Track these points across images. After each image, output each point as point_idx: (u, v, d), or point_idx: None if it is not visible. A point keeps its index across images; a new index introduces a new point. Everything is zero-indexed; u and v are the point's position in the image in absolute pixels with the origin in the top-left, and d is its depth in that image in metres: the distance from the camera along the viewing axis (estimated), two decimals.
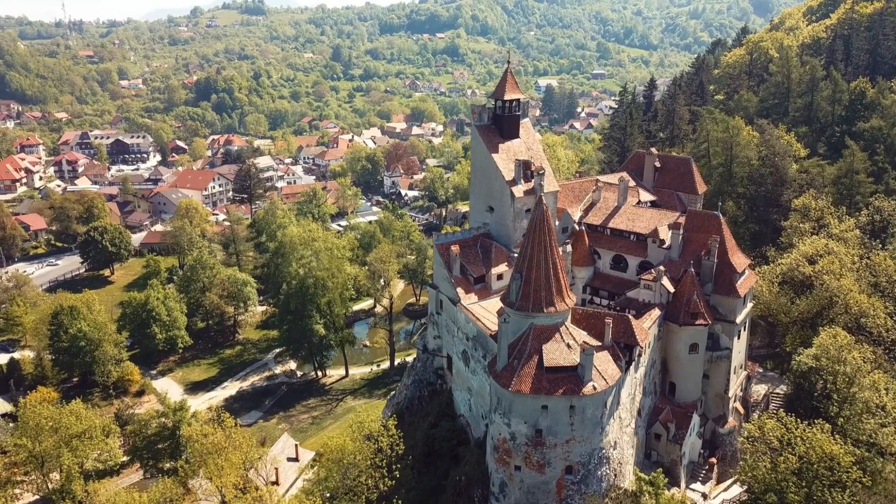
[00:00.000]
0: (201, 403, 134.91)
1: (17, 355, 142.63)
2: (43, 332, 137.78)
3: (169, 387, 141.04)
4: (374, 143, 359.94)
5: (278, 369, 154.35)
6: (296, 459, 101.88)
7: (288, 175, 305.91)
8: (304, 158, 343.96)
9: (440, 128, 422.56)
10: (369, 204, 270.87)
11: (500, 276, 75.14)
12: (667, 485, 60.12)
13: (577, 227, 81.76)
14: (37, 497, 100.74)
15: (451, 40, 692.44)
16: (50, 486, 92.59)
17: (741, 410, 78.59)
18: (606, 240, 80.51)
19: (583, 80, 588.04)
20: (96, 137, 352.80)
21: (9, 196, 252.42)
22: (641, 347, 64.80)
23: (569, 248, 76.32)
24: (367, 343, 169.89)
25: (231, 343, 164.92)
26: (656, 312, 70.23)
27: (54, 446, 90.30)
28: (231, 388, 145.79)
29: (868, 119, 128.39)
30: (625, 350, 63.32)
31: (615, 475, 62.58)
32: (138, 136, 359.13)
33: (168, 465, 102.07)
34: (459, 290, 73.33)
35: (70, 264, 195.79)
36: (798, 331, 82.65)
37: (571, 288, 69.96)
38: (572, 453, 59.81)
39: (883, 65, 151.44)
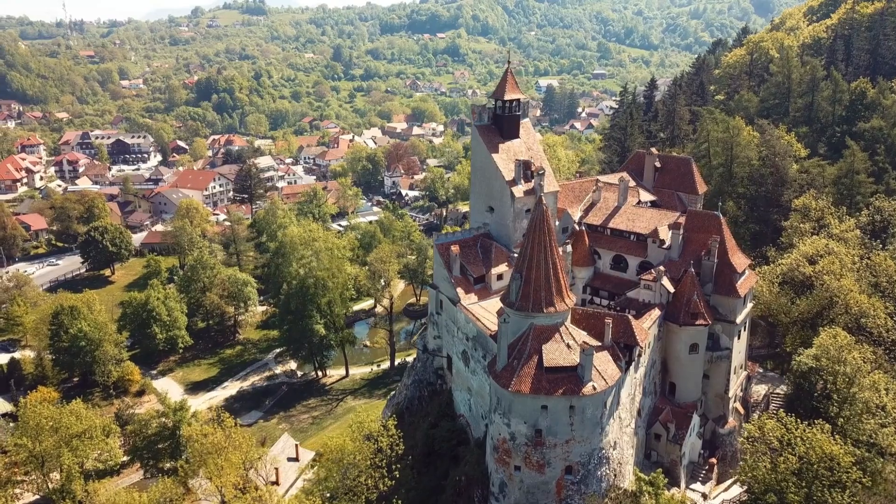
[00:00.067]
0: (202, 403, 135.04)
1: (17, 355, 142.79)
2: (43, 331, 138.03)
3: (169, 387, 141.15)
4: (375, 143, 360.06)
5: (279, 369, 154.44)
6: (296, 459, 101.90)
7: (288, 175, 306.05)
8: (305, 158, 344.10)
9: (441, 128, 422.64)
10: (370, 204, 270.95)
11: (500, 276, 75.13)
12: (667, 485, 60.08)
13: (577, 228, 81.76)
14: (37, 497, 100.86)
15: (452, 40, 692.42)
16: (50, 486, 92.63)
17: (741, 411, 78.56)
18: (606, 240, 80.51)
19: (583, 80, 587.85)
20: (97, 137, 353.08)
21: (9, 196, 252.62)
22: (641, 347, 64.79)
23: (569, 248, 76.35)
24: (368, 343, 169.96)
25: (231, 343, 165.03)
26: (656, 312, 70.22)
27: (54, 446, 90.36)
28: (231, 387, 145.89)
29: (868, 119, 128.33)
30: (625, 350, 63.31)
31: (615, 475, 62.57)
32: (139, 136, 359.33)
33: (168, 465, 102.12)
34: (459, 291, 73.33)
35: (71, 264, 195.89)
36: (798, 331, 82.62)
37: (571, 288, 69.98)
38: (572, 453, 59.80)
39: (883, 65, 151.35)
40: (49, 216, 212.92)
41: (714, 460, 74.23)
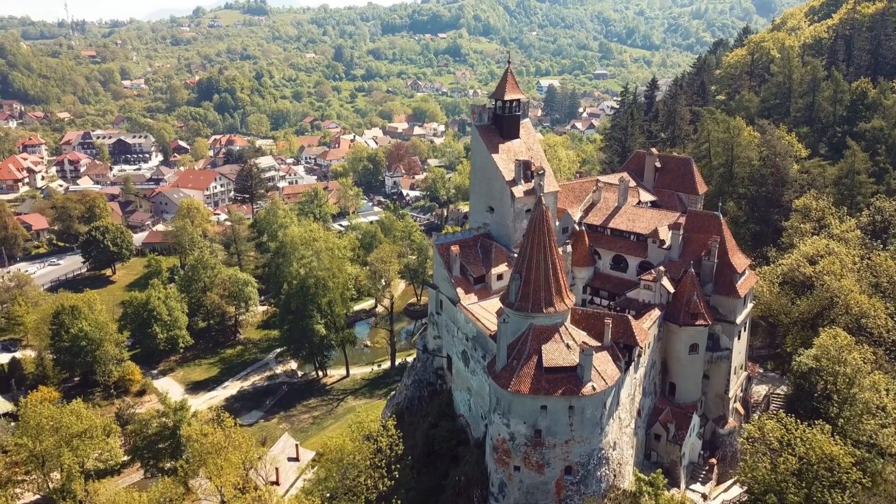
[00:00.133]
0: (202, 403, 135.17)
1: (18, 355, 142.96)
2: (44, 331, 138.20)
3: (170, 386, 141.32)
4: (376, 143, 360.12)
5: (279, 369, 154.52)
6: (296, 459, 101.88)
7: (289, 175, 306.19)
8: (306, 158, 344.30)
9: (442, 128, 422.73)
10: (371, 204, 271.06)
11: (499, 277, 75.12)
12: (666, 485, 59.93)
13: (577, 228, 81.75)
14: (37, 496, 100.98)
15: (453, 40, 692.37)
16: (50, 486, 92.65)
17: (741, 411, 78.50)
18: (606, 240, 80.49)
19: (585, 80, 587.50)
20: (98, 137, 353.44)
21: (11, 196, 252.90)
22: (641, 348, 64.76)
23: (569, 248, 76.36)
24: (368, 343, 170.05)
25: (232, 343, 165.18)
26: (656, 313, 70.19)
27: (55, 446, 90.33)
28: (232, 387, 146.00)
29: (869, 119, 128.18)
30: (624, 350, 63.29)
31: (614, 476, 62.54)
32: (140, 136, 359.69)
33: (168, 464, 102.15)
34: (459, 291, 73.32)
35: (72, 264, 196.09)
36: (799, 331, 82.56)
37: (571, 288, 69.96)
38: (571, 454, 59.77)
39: (884, 65, 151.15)
40: (50, 216, 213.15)
41: (714, 461, 74.18)
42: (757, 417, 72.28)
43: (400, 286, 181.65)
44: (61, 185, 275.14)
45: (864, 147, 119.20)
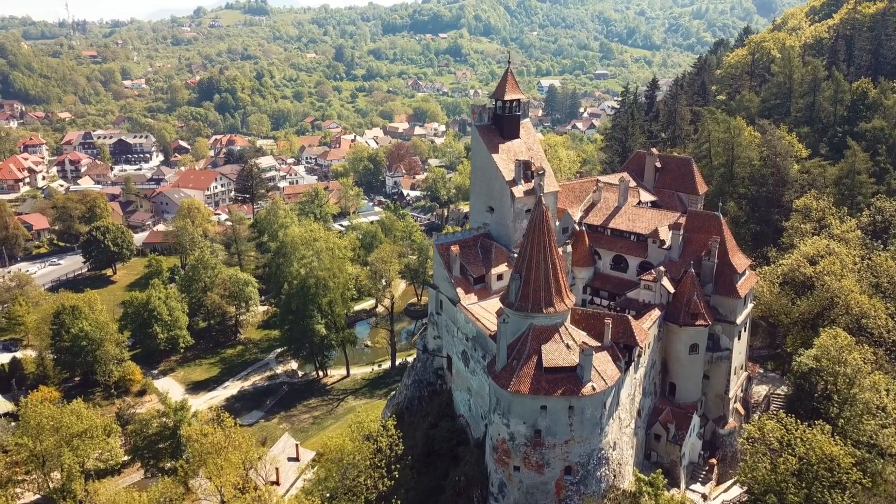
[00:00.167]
0: (203, 403, 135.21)
1: (19, 354, 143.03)
2: (45, 331, 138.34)
3: (170, 386, 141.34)
4: (377, 143, 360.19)
5: (279, 369, 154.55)
6: (296, 459, 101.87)
7: (290, 175, 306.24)
8: (307, 158, 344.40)
9: (442, 128, 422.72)
10: (371, 204, 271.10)
11: (499, 277, 75.11)
12: (666, 486, 59.88)
13: (577, 228, 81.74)
14: (38, 496, 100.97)
15: (454, 40, 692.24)
16: (51, 486, 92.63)
17: (742, 411, 78.48)
18: (607, 240, 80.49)
19: (585, 80, 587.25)
20: (99, 137, 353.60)
21: (12, 196, 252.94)
22: (641, 348, 64.75)
23: (569, 248, 76.36)
24: (369, 343, 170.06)
25: (232, 343, 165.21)
26: (656, 313, 70.18)
27: (55, 445, 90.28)
28: (232, 387, 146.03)
29: (870, 119, 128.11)
30: (624, 350, 63.28)
31: (614, 476, 62.52)
32: (141, 136, 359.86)
33: (169, 464, 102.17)
34: (459, 291, 73.32)
35: (72, 264, 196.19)
36: (799, 332, 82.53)
37: (572, 288, 69.96)
38: (571, 454, 59.76)
39: (885, 65, 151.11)
40: (51, 216, 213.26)
41: (714, 461, 74.17)
42: (757, 418, 72.28)
43: (400, 286, 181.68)
44: (62, 185, 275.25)
45: (864, 147, 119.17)
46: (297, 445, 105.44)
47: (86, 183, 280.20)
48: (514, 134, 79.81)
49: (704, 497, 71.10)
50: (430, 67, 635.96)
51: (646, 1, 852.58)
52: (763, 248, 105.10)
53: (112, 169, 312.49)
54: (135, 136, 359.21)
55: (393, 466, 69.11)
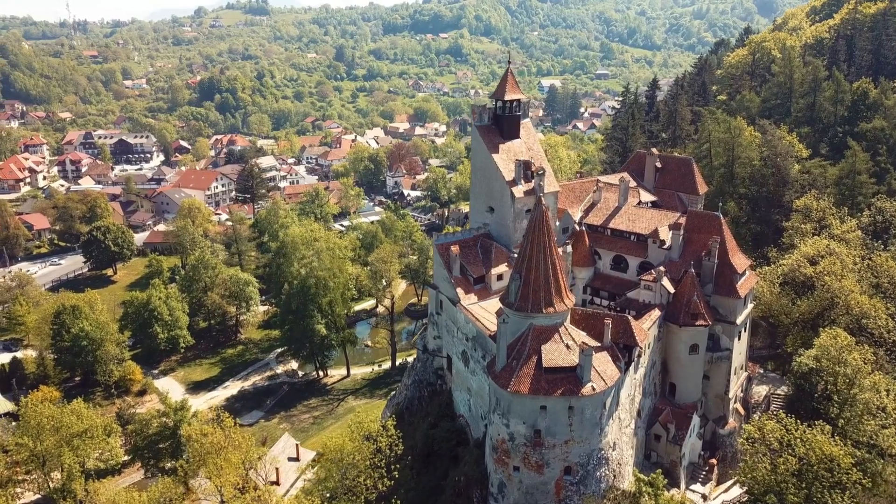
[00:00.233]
0: (203, 403, 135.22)
1: (19, 354, 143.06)
2: (45, 331, 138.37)
3: (171, 386, 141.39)
4: (377, 143, 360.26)
5: (280, 369, 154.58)
6: (296, 459, 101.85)
7: (291, 175, 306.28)
8: (307, 158, 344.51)
9: (443, 128, 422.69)
10: (372, 204, 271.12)
11: (499, 277, 75.10)
12: (666, 486, 59.87)
13: (577, 228, 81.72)
14: (38, 496, 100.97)
15: (455, 40, 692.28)
16: (51, 486, 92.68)
17: (742, 411, 78.45)
18: (607, 240, 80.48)
19: (586, 80, 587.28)
20: (100, 137, 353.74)
21: (12, 196, 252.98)
22: (641, 348, 64.74)
23: (569, 248, 76.33)
24: (369, 343, 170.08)
25: (233, 343, 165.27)
26: (656, 313, 70.17)
27: (55, 445, 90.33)
28: (233, 387, 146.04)
29: (870, 119, 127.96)
30: (624, 351, 63.27)
31: (614, 476, 62.50)
32: (142, 136, 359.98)
33: (169, 464, 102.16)
34: (459, 291, 73.32)
35: (73, 264, 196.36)
36: (799, 332, 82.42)
37: (572, 288, 69.95)
38: (571, 454, 59.74)
39: (886, 65, 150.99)
40: (52, 216, 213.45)
41: (714, 461, 74.15)
42: (757, 418, 72.22)
43: (401, 286, 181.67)
44: (63, 185, 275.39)
45: (864, 147, 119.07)
46: (297, 445, 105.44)
47: (86, 183, 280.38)
48: (515, 134, 79.80)
49: (704, 497, 71.08)
50: (431, 67, 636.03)
51: (646, 1, 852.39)
52: (763, 249, 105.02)
53: (113, 169, 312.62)
54: (135, 136, 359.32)
55: (393, 466, 69.12)
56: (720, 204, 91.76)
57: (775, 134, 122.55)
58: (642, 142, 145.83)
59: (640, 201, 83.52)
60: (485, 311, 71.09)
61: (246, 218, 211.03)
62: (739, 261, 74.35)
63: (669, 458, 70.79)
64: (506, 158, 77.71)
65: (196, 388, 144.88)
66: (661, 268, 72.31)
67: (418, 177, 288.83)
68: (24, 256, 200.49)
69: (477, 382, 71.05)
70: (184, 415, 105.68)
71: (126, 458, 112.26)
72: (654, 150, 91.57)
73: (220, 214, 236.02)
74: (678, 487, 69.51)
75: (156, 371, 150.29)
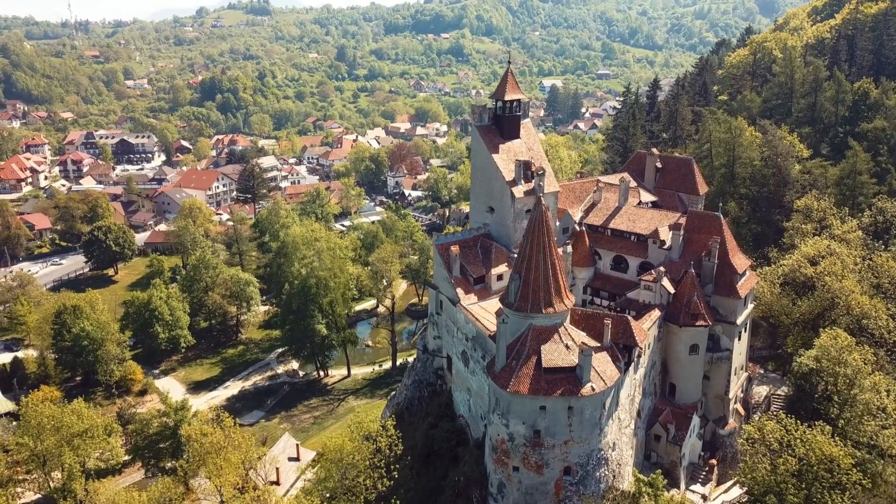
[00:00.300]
0: (203, 403, 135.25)
1: (20, 354, 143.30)
2: (46, 331, 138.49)
3: (171, 386, 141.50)
4: (378, 143, 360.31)
5: (280, 369, 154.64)
6: (297, 459, 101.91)
7: (292, 175, 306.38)
8: (308, 158, 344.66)
9: (444, 128, 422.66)
10: (373, 204, 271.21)
11: (499, 277, 75.06)
12: (666, 486, 59.97)
13: (577, 228, 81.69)
14: (38, 496, 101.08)
15: (456, 40, 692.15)
16: (51, 485, 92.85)
17: (742, 412, 78.38)
18: (607, 240, 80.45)
19: (587, 80, 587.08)
20: (101, 137, 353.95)
21: (14, 195, 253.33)
22: (640, 348, 64.70)
23: (569, 248, 76.29)
24: (370, 343, 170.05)
25: (233, 343, 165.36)
26: (656, 313, 70.13)
27: (56, 445, 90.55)
28: (233, 387, 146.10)
29: (871, 120, 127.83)
30: (624, 351, 63.24)
31: (614, 476, 62.46)
32: (143, 136, 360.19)
33: (169, 464, 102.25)
34: (459, 291, 73.30)
35: (74, 264, 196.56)
36: (799, 332, 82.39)
37: (572, 289, 69.94)
38: (570, 454, 59.71)
39: (887, 65, 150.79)
40: (53, 216, 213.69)
41: (714, 462, 74.10)
42: (757, 418, 72.14)
43: (401, 286, 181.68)
44: (64, 185, 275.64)
45: (865, 147, 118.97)
46: (297, 445, 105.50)
47: (88, 183, 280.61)
48: (515, 134, 79.78)
49: (704, 498, 71.04)
50: (432, 67, 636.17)
51: (648, 1, 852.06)
52: (764, 249, 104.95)
53: (114, 169, 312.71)
54: (137, 136, 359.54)
55: (392, 466, 69.12)
56: (720, 204, 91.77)
57: (776, 134, 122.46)
58: (643, 142, 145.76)
59: (640, 201, 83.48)
60: (485, 311, 71.07)
61: (247, 218, 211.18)
62: (740, 261, 74.30)
63: (669, 458, 70.74)
64: (506, 158, 77.69)
65: (197, 387, 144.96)
66: (662, 268, 72.28)
67: (419, 177, 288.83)
68: (25, 256, 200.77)
69: (477, 382, 71.05)
70: (184, 415, 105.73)
71: (126, 457, 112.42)
72: (655, 151, 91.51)
73: (221, 214, 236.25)
74: (678, 488, 69.48)
75: (156, 371, 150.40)
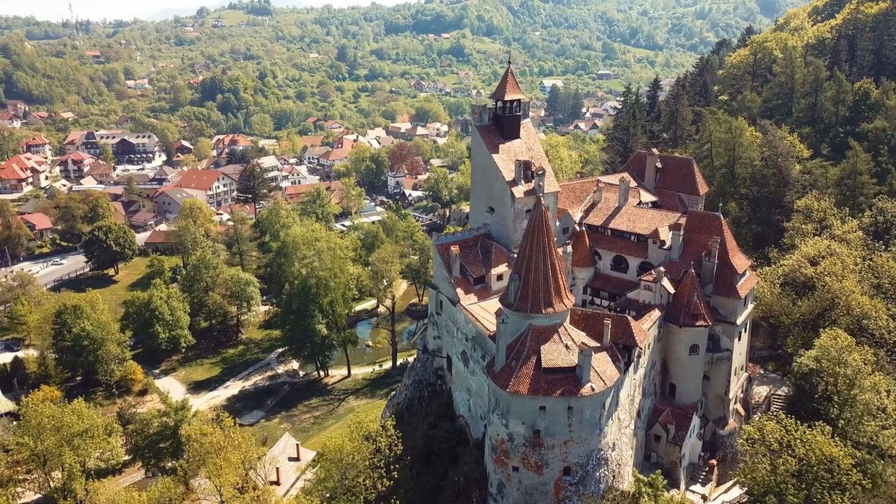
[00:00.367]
0: (204, 403, 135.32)
1: (20, 354, 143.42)
2: (47, 331, 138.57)
3: (172, 386, 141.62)
4: (379, 143, 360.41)
5: (281, 369, 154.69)
6: (297, 459, 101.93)
7: (292, 175, 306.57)
8: (309, 158, 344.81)
9: (445, 128, 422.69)
10: (373, 204, 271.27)
11: (499, 277, 75.04)
12: (666, 486, 59.93)
13: (577, 228, 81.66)
14: (38, 496, 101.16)
15: (457, 40, 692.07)
16: (51, 485, 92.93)
17: (742, 412, 78.33)
18: (607, 240, 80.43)
19: (588, 80, 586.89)
20: (102, 137, 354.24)
21: (15, 195, 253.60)
22: (640, 348, 64.67)
23: (569, 248, 76.24)
24: (370, 343, 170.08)
25: (234, 343, 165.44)
26: (656, 313, 70.09)
27: (56, 445, 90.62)
28: (234, 387, 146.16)
29: (872, 120, 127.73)
30: (624, 351, 63.21)
31: (613, 477, 62.43)
32: (144, 136, 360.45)
33: (169, 464, 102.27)
34: (459, 291, 73.29)
35: (75, 263, 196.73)
36: (800, 332, 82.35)
37: (572, 289, 69.91)
38: (570, 454, 59.68)
39: (887, 65, 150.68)
40: (53, 216, 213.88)
41: (714, 462, 74.04)
42: (757, 418, 72.09)
43: (402, 286, 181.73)
44: (65, 185, 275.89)
45: (866, 148, 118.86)
46: (297, 445, 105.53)
47: (88, 183, 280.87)
48: (515, 134, 79.76)
49: (704, 498, 70.99)
50: (433, 67, 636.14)
51: (649, 1, 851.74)
52: (764, 249, 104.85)
53: (115, 169, 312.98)
54: (137, 136, 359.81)
55: (392, 467, 69.10)
56: (721, 204, 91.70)
57: (776, 134, 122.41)
58: (643, 142, 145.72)
59: (640, 201, 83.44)
60: (484, 312, 71.05)
61: (247, 218, 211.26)
62: (740, 261, 74.25)
63: (669, 458, 70.70)
64: (506, 158, 77.66)
65: (197, 387, 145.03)
66: (662, 268, 72.24)
67: (420, 177, 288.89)
68: (25, 256, 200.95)
69: (476, 383, 71.04)
70: (184, 415, 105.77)
71: (127, 457, 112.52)
72: (655, 151, 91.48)
73: (221, 214, 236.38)
74: (678, 488, 69.44)
75: (157, 371, 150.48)
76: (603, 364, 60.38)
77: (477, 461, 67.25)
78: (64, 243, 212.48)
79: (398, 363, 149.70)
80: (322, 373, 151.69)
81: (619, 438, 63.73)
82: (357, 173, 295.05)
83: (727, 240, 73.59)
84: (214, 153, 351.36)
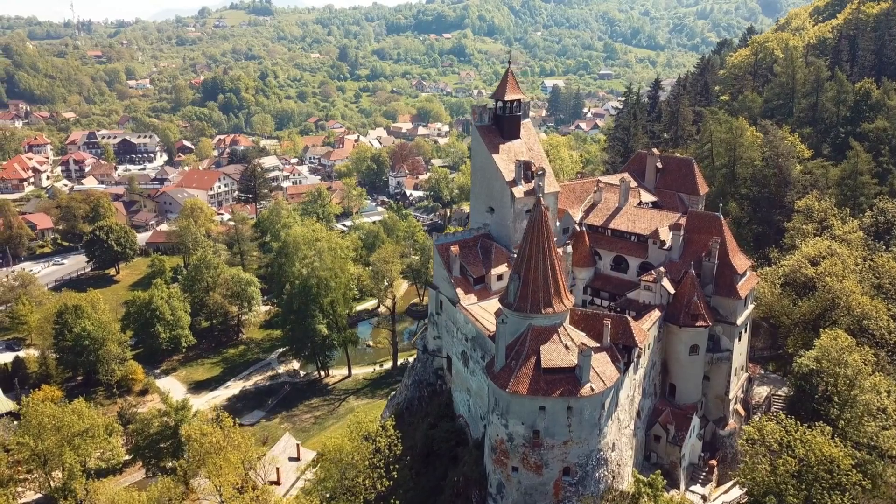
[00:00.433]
0: (204, 403, 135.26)
1: (21, 354, 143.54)
2: (47, 330, 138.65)
3: (172, 386, 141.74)
4: (380, 143, 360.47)
5: (281, 369, 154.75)
6: (297, 459, 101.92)
7: (293, 175, 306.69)
8: (310, 158, 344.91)
9: (446, 128, 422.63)
10: (374, 204, 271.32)
11: (499, 277, 75.03)
12: (666, 487, 59.93)
13: (577, 228, 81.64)
14: (39, 495, 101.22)
15: (458, 40, 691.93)
16: (52, 485, 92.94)
17: (742, 412, 78.29)
18: (607, 241, 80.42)
19: (589, 80, 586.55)
20: (103, 137, 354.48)
21: (16, 195, 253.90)
22: (640, 349, 64.65)
23: (569, 248, 76.22)
24: (371, 343, 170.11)
25: (234, 342, 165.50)
26: (656, 314, 70.07)
27: (57, 445, 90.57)
28: (234, 387, 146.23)
29: (873, 120, 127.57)
30: (623, 351, 63.20)
31: (613, 477, 62.41)
32: (145, 136, 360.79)
33: (170, 464, 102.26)
34: (459, 291, 73.29)
35: (76, 263, 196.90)
36: (800, 333, 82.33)
37: (572, 289, 69.91)
38: (570, 455, 59.67)
39: (888, 65, 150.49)
40: (55, 215, 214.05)
41: (714, 462, 74.01)
42: (757, 419, 72.02)
43: (402, 286, 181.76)
44: (66, 185, 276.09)
45: (867, 148, 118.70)
46: (298, 445, 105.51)
47: (90, 183, 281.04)
48: (515, 134, 79.75)
49: (704, 498, 70.97)
50: (434, 67, 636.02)
51: (650, 1, 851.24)
52: (765, 249, 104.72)
53: (116, 169, 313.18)
54: (139, 136, 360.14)
55: (392, 467, 69.10)
56: (721, 204, 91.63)
57: (777, 134, 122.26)
58: (644, 142, 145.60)
59: (640, 202, 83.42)
60: (484, 312, 71.05)
61: (248, 218, 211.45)
62: (740, 261, 74.21)
63: (669, 459, 70.68)
64: (506, 159, 77.66)
65: (198, 387, 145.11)
66: (662, 268, 72.23)
67: (421, 177, 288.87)
68: (27, 256, 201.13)
69: (476, 383, 71.04)
70: (185, 414, 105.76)
71: (127, 457, 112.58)
72: (656, 151, 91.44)
73: (222, 214, 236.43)
74: (678, 488, 69.42)
75: (157, 371, 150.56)
76: (603, 364, 60.37)
77: (476, 461, 67.25)
78: (65, 243, 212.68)
79: (399, 363, 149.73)
80: (323, 373, 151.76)
81: (619, 439, 63.72)
82: (358, 173, 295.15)
83: (727, 240, 73.56)
84: (216, 153, 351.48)
